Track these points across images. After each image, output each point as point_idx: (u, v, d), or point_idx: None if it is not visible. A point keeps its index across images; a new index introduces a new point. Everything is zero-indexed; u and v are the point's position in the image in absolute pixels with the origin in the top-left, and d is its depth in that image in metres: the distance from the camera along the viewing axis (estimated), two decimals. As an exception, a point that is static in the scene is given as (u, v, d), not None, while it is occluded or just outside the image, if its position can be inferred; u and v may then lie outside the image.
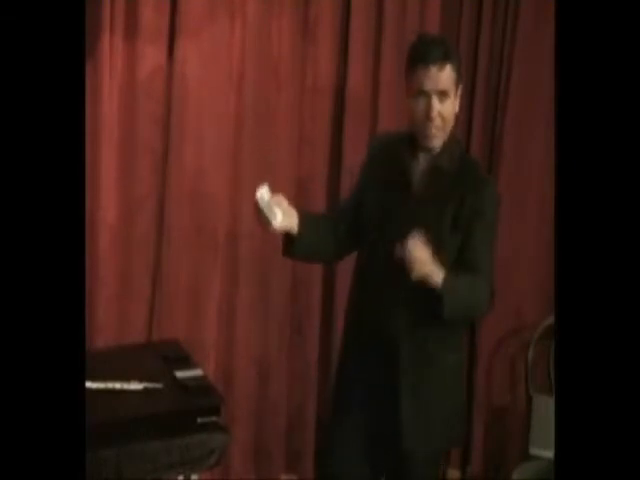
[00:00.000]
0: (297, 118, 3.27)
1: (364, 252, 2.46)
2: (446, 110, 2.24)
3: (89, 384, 2.27)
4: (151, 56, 3.03)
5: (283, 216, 2.25)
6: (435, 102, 2.22)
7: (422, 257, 2.15)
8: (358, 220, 2.43)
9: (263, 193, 2.22)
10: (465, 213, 2.28)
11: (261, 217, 2.23)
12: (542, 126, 3.33)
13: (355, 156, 2.97)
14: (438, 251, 2.20)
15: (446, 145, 2.32)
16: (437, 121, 2.24)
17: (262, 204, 2.21)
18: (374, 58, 3.26)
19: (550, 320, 3.24)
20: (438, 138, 2.29)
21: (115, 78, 2.99)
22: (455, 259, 2.28)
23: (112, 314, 3.10)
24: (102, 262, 3.05)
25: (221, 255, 3.26)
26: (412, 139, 2.34)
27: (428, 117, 2.23)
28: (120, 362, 2.59)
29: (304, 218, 2.34)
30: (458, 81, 2.27)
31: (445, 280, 2.19)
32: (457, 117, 2.33)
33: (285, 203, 2.27)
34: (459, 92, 2.29)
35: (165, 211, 3.14)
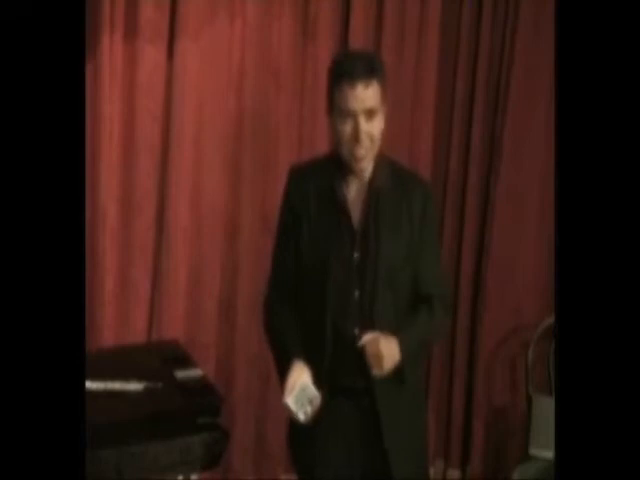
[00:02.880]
0: (297, 118, 3.27)
1: (308, 296, 2.16)
2: (374, 130, 2.05)
3: (89, 384, 2.26)
4: (151, 56, 3.04)
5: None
6: (362, 122, 2.02)
7: (388, 353, 2.01)
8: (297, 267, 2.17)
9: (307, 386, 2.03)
10: (415, 234, 2.13)
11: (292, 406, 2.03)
12: (542, 126, 3.33)
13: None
14: (391, 287, 2.09)
15: (377, 164, 2.13)
16: (365, 142, 2.04)
17: (299, 395, 2.03)
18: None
19: (550, 320, 3.24)
20: (367, 159, 2.09)
21: (115, 78, 2.99)
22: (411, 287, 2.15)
23: (112, 314, 3.10)
24: (102, 262, 3.05)
25: (221, 255, 3.26)
26: (338, 163, 2.12)
27: (356, 139, 2.03)
28: (120, 362, 2.58)
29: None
30: (385, 97, 2.08)
31: (402, 350, 2.05)
32: (383, 135, 2.11)
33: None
34: (385, 108, 2.09)
35: (165, 211, 3.14)
